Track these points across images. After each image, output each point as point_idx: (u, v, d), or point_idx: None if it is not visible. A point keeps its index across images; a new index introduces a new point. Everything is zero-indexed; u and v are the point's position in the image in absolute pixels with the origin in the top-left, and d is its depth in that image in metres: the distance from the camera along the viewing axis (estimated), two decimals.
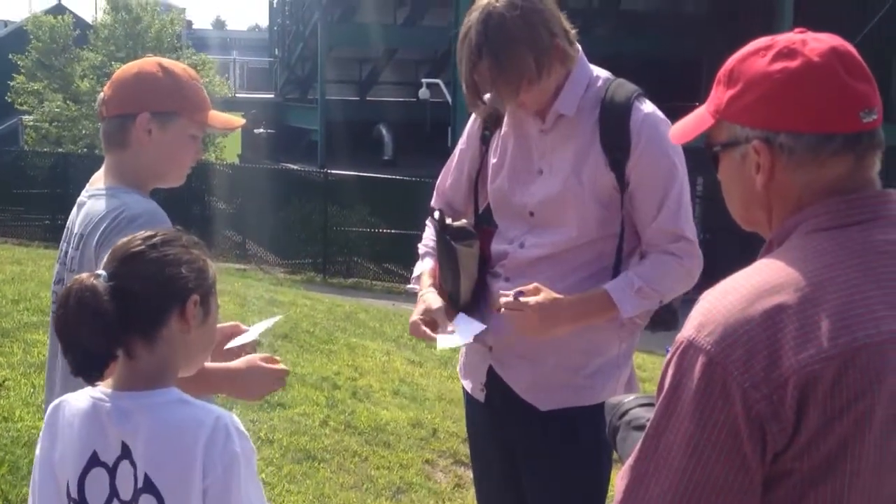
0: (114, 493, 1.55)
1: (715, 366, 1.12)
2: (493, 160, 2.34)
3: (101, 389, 1.59)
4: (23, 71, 23.39)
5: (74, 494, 1.57)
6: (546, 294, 2.12)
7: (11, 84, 23.43)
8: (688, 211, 2.19)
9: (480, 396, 2.38)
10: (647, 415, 1.40)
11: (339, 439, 5.20)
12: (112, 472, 1.55)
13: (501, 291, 2.17)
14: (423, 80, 22.76)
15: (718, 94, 1.29)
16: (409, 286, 2.41)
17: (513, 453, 2.37)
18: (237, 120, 2.28)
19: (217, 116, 2.19)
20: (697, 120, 1.33)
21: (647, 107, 2.18)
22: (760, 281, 1.17)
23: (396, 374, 6.89)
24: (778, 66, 1.21)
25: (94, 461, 1.56)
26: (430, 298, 2.29)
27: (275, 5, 30.84)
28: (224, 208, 18.83)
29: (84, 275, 1.55)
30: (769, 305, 1.13)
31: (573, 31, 2.18)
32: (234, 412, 5.15)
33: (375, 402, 6.01)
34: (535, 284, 2.14)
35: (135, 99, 2.06)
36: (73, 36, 24.05)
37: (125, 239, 1.62)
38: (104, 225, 1.96)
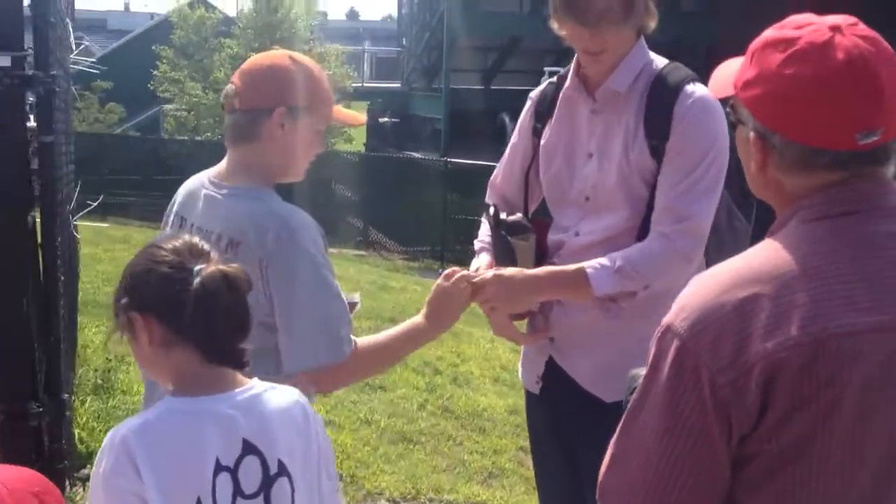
0: (237, 491, 1.57)
1: (686, 350, 1.16)
2: (544, 149, 2.35)
3: (183, 400, 1.60)
4: (165, 60, 24.57)
5: None
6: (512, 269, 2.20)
7: (155, 73, 24.66)
8: (707, 193, 2.10)
9: (536, 389, 2.39)
10: None
11: (435, 423, 5.31)
12: (234, 471, 1.57)
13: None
14: (546, 69, 22.63)
15: (743, 71, 1.30)
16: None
17: (572, 447, 2.36)
18: (359, 117, 2.31)
19: (341, 112, 2.20)
20: (728, 83, 1.34)
21: (699, 90, 2.13)
22: (743, 267, 1.19)
23: (498, 362, 6.96)
24: (789, 69, 1.21)
25: (218, 468, 1.56)
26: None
27: None
28: (349, 196, 19.29)
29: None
30: (745, 294, 1.15)
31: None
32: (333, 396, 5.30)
33: (475, 388, 6.10)
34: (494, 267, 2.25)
35: (271, 93, 2.03)
36: (217, 29, 25.14)
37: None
38: (268, 239, 1.93)
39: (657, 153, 2.14)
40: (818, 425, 1.11)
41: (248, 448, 1.58)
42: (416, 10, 28.80)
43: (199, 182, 2.13)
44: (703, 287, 1.19)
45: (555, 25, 2.21)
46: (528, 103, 2.46)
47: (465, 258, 17.87)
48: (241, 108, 2.05)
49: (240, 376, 1.65)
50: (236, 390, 1.63)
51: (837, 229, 1.20)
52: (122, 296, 1.61)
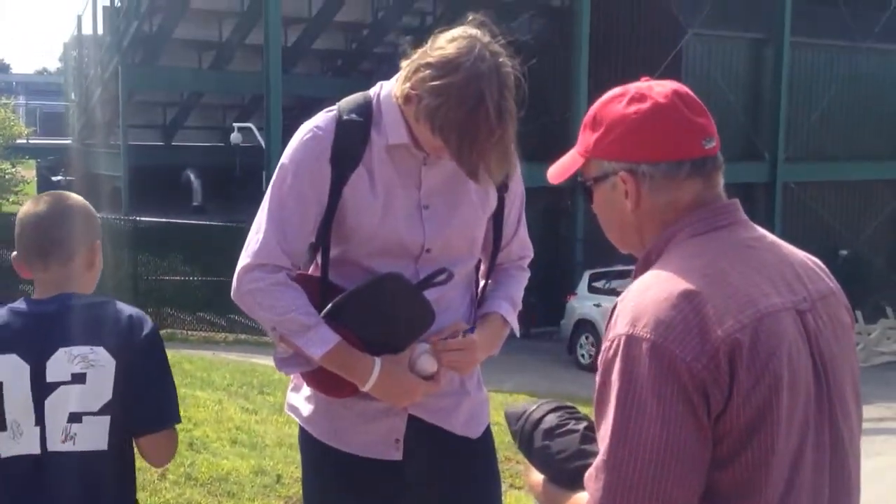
0: None
1: (658, 348, 1.29)
2: (370, 200, 2.14)
3: None
4: None
5: None
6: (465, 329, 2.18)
7: None
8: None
9: (397, 455, 2.21)
10: (565, 420, 1.57)
11: (180, 492, 5.08)
12: None
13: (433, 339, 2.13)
14: (235, 125, 22.39)
15: (586, 138, 1.50)
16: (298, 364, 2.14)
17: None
18: None
19: None
20: (570, 161, 1.55)
21: None
22: (668, 277, 1.36)
23: (232, 423, 6.79)
24: (632, 108, 1.45)
25: None
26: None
27: (68, 50, 29.58)
28: None
29: None
30: (686, 293, 1.33)
31: None
32: None
33: (214, 452, 5.90)
34: (454, 323, 2.16)
35: None
36: None
37: None
38: None
39: (501, 193, 2.22)
40: (772, 394, 1.29)
41: None
42: (84, 64, 27.37)
43: None
44: (646, 297, 1.35)
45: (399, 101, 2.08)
46: (315, 144, 2.12)
47: (159, 321, 17.04)
48: None
49: None
50: None
51: (717, 240, 1.42)
52: None
